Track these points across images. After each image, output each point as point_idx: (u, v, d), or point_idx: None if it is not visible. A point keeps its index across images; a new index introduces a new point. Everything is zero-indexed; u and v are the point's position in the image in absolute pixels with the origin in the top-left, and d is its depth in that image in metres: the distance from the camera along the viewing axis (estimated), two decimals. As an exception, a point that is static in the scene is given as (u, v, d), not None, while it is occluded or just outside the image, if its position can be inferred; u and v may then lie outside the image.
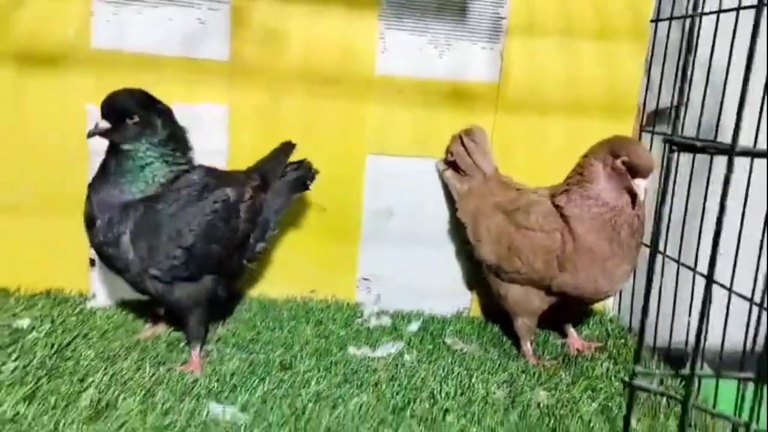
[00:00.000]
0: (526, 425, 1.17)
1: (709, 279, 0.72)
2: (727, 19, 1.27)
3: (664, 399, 1.26)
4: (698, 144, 0.65)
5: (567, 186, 1.39)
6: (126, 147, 1.25)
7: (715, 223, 0.67)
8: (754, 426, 0.75)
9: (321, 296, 1.66)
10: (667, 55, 1.51)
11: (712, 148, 0.65)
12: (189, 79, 1.52)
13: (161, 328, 1.44)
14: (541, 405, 1.25)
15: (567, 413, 1.22)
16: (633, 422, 1.19)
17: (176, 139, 1.30)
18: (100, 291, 1.57)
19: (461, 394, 1.27)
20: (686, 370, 0.70)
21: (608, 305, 1.71)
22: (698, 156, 1.39)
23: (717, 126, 1.33)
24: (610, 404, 1.27)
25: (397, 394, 1.24)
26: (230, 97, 1.55)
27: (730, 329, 1.24)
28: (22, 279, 1.55)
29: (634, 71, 1.59)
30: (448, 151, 1.61)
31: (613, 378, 1.38)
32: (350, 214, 1.64)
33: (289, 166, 1.50)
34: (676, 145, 0.64)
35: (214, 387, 1.21)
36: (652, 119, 1.62)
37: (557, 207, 1.38)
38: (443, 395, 1.25)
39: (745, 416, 0.82)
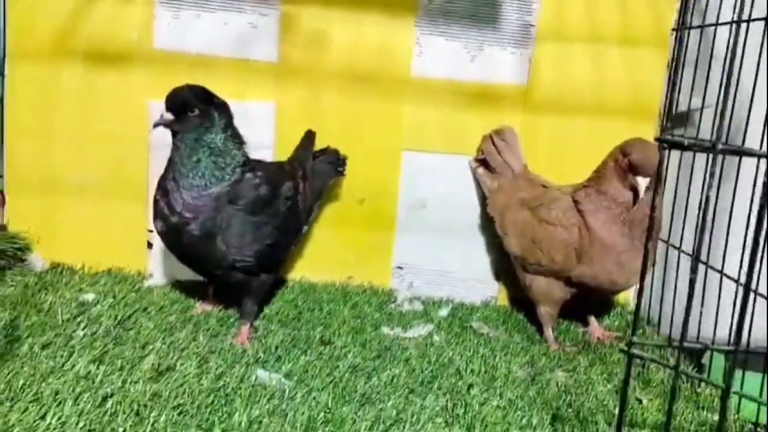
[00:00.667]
0: (543, 400, 1.26)
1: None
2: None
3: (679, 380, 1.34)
4: (685, 142, 0.73)
5: (586, 183, 1.48)
6: (188, 137, 1.34)
7: (706, 215, 0.74)
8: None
9: (357, 282, 1.76)
10: (686, 62, 1.56)
11: (697, 146, 0.73)
12: (240, 78, 1.64)
13: (211, 306, 1.55)
14: (559, 384, 1.33)
15: (582, 392, 1.31)
16: (644, 401, 1.28)
17: (233, 131, 1.40)
18: (156, 271, 1.69)
19: (485, 372, 1.36)
20: (676, 342, 0.78)
21: (629, 298, 1.78)
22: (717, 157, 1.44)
23: (729, 128, 1.37)
24: (624, 386, 1.36)
25: (425, 369, 1.34)
26: (277, 95, 1.67)
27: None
28: (86, 258, 1.67)
29: (655, 77, 1.66)
30: (480, 149, 1.70)
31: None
32: (386, 207, 1.74)
33: (316, 154, 1.61)
34: (666, 143, 0.73)
35: (261, 357, 1.33)
36: (671, 122, 1.67)
37: (575, 202, 1.47)
38: (468, 372, 1.35)
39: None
